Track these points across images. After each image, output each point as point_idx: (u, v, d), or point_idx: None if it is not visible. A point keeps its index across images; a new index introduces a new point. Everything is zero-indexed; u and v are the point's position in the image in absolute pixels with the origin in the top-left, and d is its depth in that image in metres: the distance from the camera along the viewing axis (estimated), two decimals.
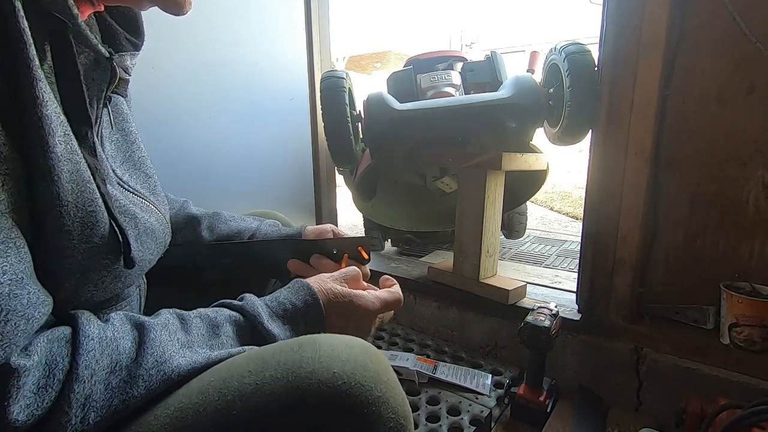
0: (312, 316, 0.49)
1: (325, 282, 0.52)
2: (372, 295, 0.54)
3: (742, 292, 0.86)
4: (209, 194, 1.30)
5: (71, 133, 0.38)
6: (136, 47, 0.48)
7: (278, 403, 0.35)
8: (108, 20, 0.46)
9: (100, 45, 0.41)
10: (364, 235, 0.70)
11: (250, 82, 1.39)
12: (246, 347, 0.43)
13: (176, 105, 1.19)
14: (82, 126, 0.39)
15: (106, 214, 0.40)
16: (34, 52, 0.33)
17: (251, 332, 0.45)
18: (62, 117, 0.37)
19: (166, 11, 0.46)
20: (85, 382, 0.33)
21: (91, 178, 0.39)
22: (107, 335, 0.37)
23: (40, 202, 0.35)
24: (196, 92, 1.23)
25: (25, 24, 0.33)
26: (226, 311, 0.46)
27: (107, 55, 0.42)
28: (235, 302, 0.48)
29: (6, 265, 0.31)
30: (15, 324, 0.31)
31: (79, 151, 0.39)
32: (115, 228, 0.41)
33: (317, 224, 1.70)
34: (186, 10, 0.46)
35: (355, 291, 0.53)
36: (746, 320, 0.83)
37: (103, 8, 0.45)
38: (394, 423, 0.38)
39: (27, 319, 0.32)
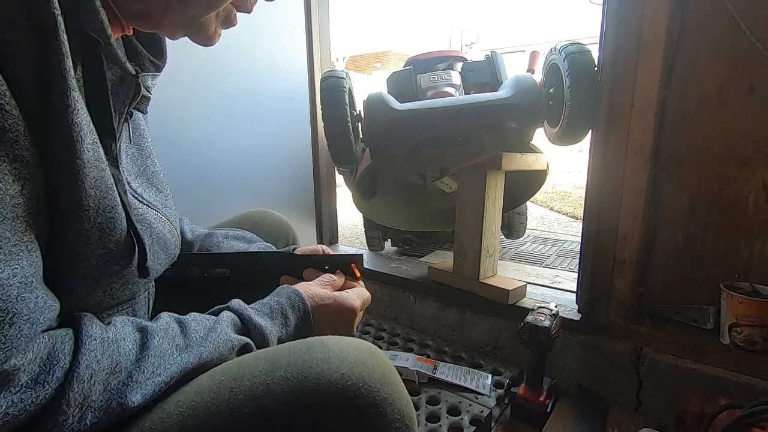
0: (298, 307, 0.52)
1: (308, 287, 0.56)
2: (353, 292, 0.59)
3: (742, 292, 0.86)
4: (209, 194, 1.30)
5: (99, 143, 0.39)
6: (158, 68, 0.50)
7: (288, 402, 0.36)
8: (134, 42, 0.48)
9: (127, 63, 0.43)
10: (356, 252, 0.71)
11: (250, 82, 1.39)
12: (235, 339, 0.45)
13: (176, 105, 1.19)
14: (106, 138, 0.41)
15: (124, 221, 0.41)
16: (71, 64, 0.34)
17: (241, 327, 0.48)
18: (92, 126, 0.38)
19: (196, 42, 0.48)
20: (84, 381, 0.33)
21: (114, 186, 0.40)
22: (109, 336, 0.37)
23: (62, 206, 0.36)
24: (196, 92, 1.23)
25: (65, 38, 0.34)
26: (218, 313, 0.48)
27: (133, 72, 0.44)
28: (223, 305, 0.50)
29: (17, 268, 0.31)
30: (19, 327, 0.31)
31: (105, 160, 0.40)
32: (133, 236, 0.43)
33: (317, 224, 1.72)
34: (215, 42, 0.48)
35: (337, 292, 0.57)
36: (746, 320, 0.83)
37: (131, 32, 0.47)
38: (399, 424, 0.39)
39: (31, 323, 0.32)
